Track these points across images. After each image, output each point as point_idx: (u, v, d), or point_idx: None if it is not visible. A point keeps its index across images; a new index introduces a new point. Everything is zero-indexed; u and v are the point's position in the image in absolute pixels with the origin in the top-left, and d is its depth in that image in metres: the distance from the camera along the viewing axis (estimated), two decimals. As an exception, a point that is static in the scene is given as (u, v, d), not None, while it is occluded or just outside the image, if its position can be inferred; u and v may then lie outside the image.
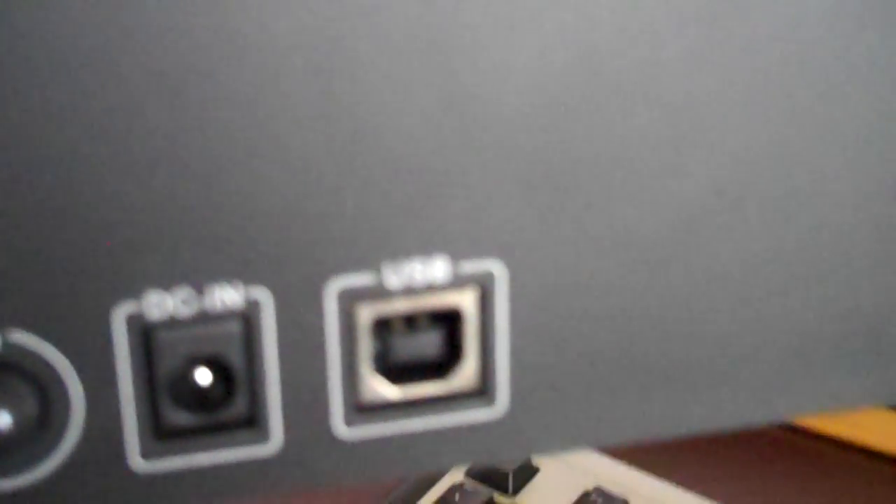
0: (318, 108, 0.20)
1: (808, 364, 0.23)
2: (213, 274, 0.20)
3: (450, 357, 0.22)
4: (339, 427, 0.21)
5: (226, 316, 0.20)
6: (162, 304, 0.20)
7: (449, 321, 0.22)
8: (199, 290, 0.20)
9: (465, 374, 0.22)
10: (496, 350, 0.22)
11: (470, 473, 0.44)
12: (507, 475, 0.43)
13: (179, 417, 0.21)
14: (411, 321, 0.21)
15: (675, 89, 0.21)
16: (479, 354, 0.22)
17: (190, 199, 0.20)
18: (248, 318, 0.21)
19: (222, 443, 0.21)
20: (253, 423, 0.21)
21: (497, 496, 0.43)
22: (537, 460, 0.45)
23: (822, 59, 0.21)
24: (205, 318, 0.20)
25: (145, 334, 0.20)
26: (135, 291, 0.20)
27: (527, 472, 0.44)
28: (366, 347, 0.21)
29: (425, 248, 0.21)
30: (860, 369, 0.23)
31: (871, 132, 0.22)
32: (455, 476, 0.44)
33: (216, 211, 0.20)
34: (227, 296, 0.20)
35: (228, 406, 0.21)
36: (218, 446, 0.21)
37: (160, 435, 0.21)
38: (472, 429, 0.22)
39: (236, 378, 0.21)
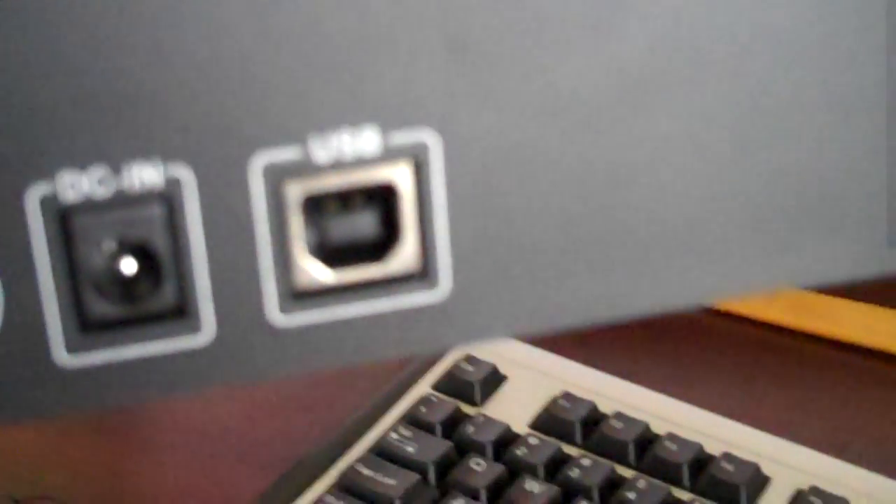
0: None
1: (762, 234, 0.22)
2: (129, 151, 0.19)
3: (387, 237, 0.21)
4: (274, 314, 0.20)
5: (146, 197, 0.19)
6: (76, 184, 0.19)
7: (385, 199, 0.21)
8: (116, 168, 0.19)
9: (404, 255, 0.21)
10: (435, 228, 0.21)
11: (437, 387, 0.43)
12: (472, 385, 0.42)
13: (104, 308, 0.20)
14: (345, 200, 0.20)
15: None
16: (418, 233, 0.21)
17: (101, 71, 0.19)
18: (169, 199, 0.20)
19: (151, 334, 0.20)
20: (182, 312, 0.20)
21: (464, 407, 0.42)
22: (504, 368, 0.43)
23: None
24: (124, 199, 0.19)
25: (61, 218, 0.19)
26: (47, 172, 0.19)
27: (493, 381, 0.43)
28: (298, 228, 0.20)
29: (353, 118, 0.20)
30: (814, 240, 0.22)
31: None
32: (421, 389, 0.43)
33: (131, 84, 0.19)
34: (145, 174, 0.19)
35: (156, 295, 0.20)
36: (147, 338, 0.20)
37: (85, 327, 0.20)
38: (414, 313, 0.21)
39: (162, 265, 0.20)
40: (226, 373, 0.20)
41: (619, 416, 0.41)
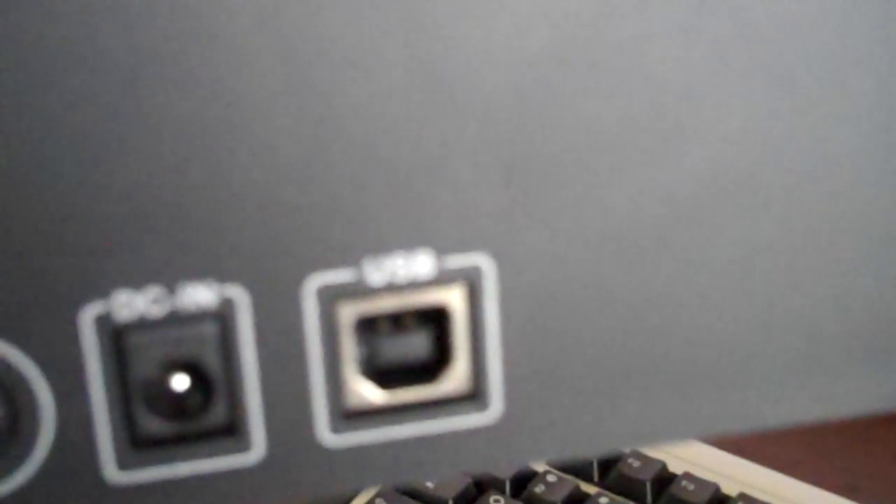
0: (290, 96, 0.19)
1: (817, 363, 0.22)
2: (184, 272, 0.19)
3: (439, 359, 0.21)
4: (324, 434, 0.20)
5: (200, 316, 0.20)
6: (131, 303, 0.19)
7: (437, 321, 0.21)
8: (171, 289, 0.19)
9: (456, 376, 0.21)
10: (487, 350, 0.21)
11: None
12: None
13: (156, 425, 0.20)
14: (398, 321, 0.20)
15: (662, 70, 0.20)
16: (470, 355, 0.21)
17: (158, 193, 0.19)
18: (223, 319, 0.20)
19: (201, 452, 0.20)
20: (233, 430, 0.20)
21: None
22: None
23: (822, 37, 0.20)
24: (178, 318, 0.20)
25: (115, 336, 0.19)
26: (103, 291, 0.19)
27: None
28: (350, 349, 0.20)
29: (407, 242, 0.20)
30: (871, 369, 0.22)
31: (874, 117, 0.21)
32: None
33: (186, 205, 0.19)
34: (200, 295, 0.19)
35: (207, 413, 0.20)
36: (197, 455, 0.20)
37: (136, 444, 0.20)
38: (465, 435, 0.21)
39: (214, 383, 0.20)
40: (276, 491, 0.20)
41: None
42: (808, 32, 0.20)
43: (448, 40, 0.19)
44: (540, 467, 0.40)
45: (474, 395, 0.21)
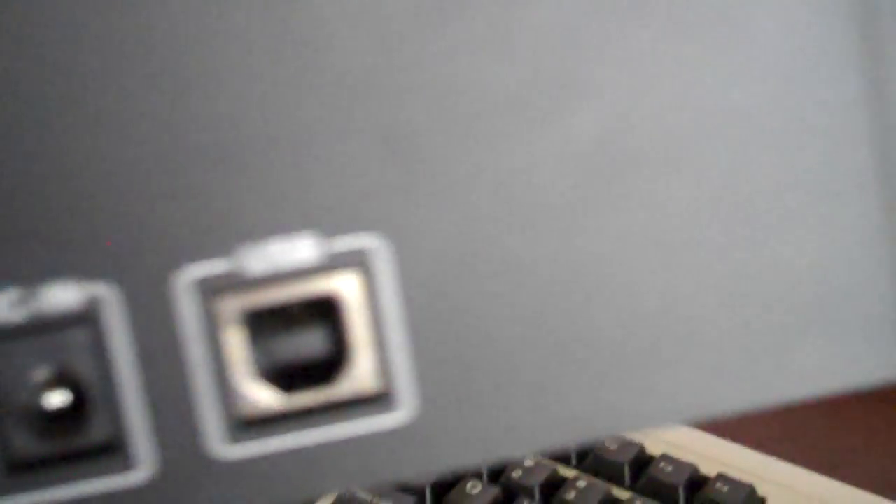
0: (152, 78, 0.18)
1: (757, 343, 0.19)
2: (44, 271, 0.18)
3: (340, 356, 0.19)
4: (217, 446, 0.19)
5: (65, 319, 0.18)
6: (-13, 308, 0.18)
7: (333, 312, 0.19)
8: (30, 290, 0.18)
9: (359, 374, 0.19)
10: (391, 343, 0.19)
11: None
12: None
13: (29, 446, 0.18)
14: (289, 316, 0.19)
15: (551, 23, 0.18)
16: (373, 350, 0.19)
17: (9, 186, 0.18)
18: (91, 321, 0.18)
19: (82, 473, 0.18)
20: (115, 447, 0.18)
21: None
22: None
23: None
24: (41, 322, 0.18)
25: (-27, 347, 0.18)
26: (-44, 296, 0.18)
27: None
28: (237, 349, 0.18)
29: (287, 226, 0.18)
30: (822, 345, 0.19)
31: (790, 53, 0.19)
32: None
33: (42, 197, 0.18)
34: (63, 295, 0.18)
35: (84, 429, 0.18)
36: (77, 477, 0.18)
37: (10, 468, 0.18)
38: (373, 439, 0.19)
39: (88, 394, 0.18)
40: (166, 513, 0.19)
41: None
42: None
43: (312, 10, 0.18)
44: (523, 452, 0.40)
45: (381, 395, 0.19)
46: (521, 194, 0.19)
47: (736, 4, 0.18)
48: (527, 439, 0.19)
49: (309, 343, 0.19)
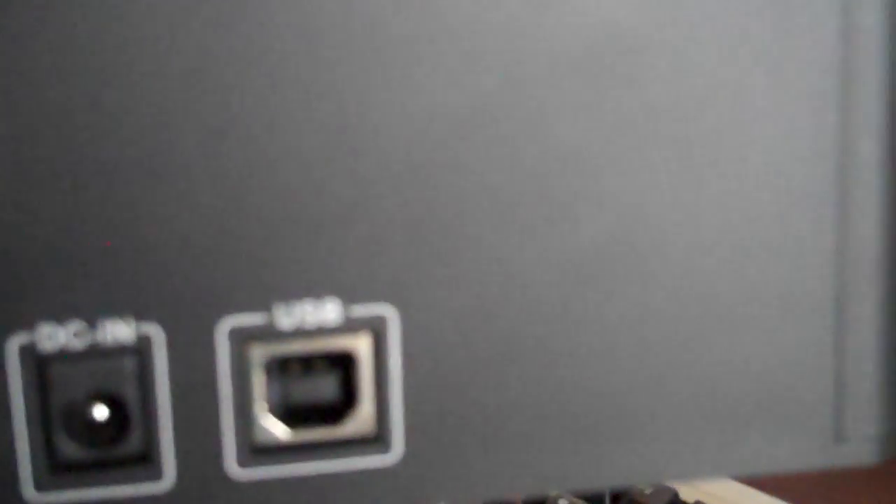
0: (211, 148, 0.20)
1: (710, 424, 0.23)
2: (104, 309, 0.21)
3: (346, 401, 0.22)
4: (232, 467, 0.22)
5: (118, 351, 0.21)
6: (54, 336, 0.21)
7: (345, 365, 0.22)
8: (91, 323, 0.21)
9: (361, 419, 0.22)
10: (390, 396, 0.22)
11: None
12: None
13: (74, 451, 0.21)
14: (308, 364, 0.22)
15: (565, 140, 0.21)
16: (374, 400, 0.22)
17: (82, 234, 0.20)
18: (140, 354, 0.21)
19: (115, 478, 0.21)
20: (146, 459, 0.21)
21: None
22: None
23: (719, 110, 0.22)
24: (98, 352, 0.21)
25: (39, 366, 0.21)
26: (28, 323, 0.21)
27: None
28: (260, 388, 0.22)
29: (316, 291, 0.21)
30: (753, 434, 0.23)
31: (771, 181, 0.22)
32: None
33: (111, 245, 0.21)
34: (118, 331, 0.21)
35: (122, 441, 0.21)
36: (111, 481, 0.21)
37: (54, 468, 0.21)
38: (367, 475, 0.22)
39: (130, 413, 0.21)
40: (183, 519, 0.22)
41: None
42: (706, 105, 0.21)
43: (360, 99, 0.21)
44: (552, 493, 0.41)
45: (377, 438, 0.22)
46: (518, 282, 0.22)
47: (731, 137, 0.22)
48: (495, 486, 0.23)
49: (321, 388, 0.22)
